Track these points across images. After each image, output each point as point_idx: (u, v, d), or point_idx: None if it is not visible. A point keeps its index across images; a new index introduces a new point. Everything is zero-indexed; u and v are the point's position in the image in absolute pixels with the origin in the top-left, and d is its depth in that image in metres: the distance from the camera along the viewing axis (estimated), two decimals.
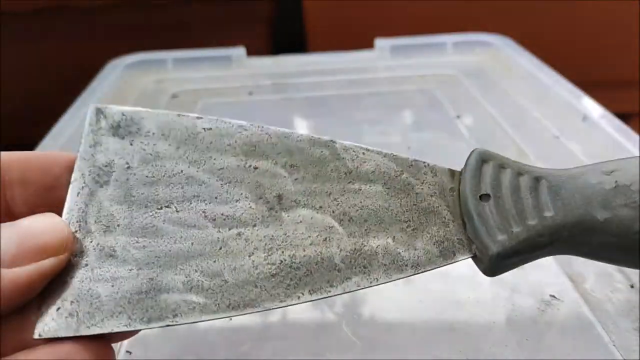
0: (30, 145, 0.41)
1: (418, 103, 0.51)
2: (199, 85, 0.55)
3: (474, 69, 0.56)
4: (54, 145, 0.42)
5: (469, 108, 0.49)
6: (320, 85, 0.54)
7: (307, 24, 0.77)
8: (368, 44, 0.60)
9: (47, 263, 0.17)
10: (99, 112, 0.21)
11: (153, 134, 0.21)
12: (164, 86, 0.55)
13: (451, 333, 0.26)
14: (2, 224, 0.17)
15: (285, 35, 0.84)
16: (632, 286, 0.28)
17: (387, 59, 0.59)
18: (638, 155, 0.21)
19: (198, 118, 0.21)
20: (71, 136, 0.43)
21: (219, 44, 0.60)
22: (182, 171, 0.20)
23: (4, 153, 0.19)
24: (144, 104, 0.51)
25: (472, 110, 0.48)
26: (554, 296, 0.28)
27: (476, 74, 0.55)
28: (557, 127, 0.43)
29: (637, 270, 0.28)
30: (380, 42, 0.59)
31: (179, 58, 0.58)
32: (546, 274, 0.29)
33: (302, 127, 0.47)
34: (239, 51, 0.59)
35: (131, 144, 0.20)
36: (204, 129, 0.21)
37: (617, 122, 0.42)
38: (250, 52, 0.59)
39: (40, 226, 0.18)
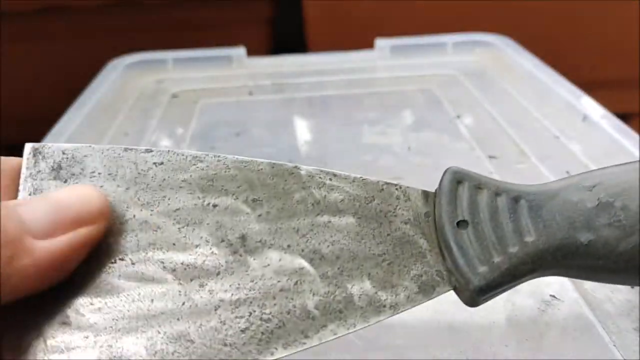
0: None
1: (418, 103, 0.51)
2: (199, 85, 0.55)
3: (474, 69, 0.56)
4: None
5: (469, 108, 0.49)
6: (320, 85, 0.54)
7: (307, 24, 0.77)
8: (368, 44, 0.60)
9: (83, 231, 0.16)
10: (36, 152, 0.19)
11: (99, 174, 0.19)
12: (164, 86, 0.55)
13: (451, 333, 0.26)
14: (33, 197, 0.17)
15: (285, 35, 0.84)
16: (632, 286, 0.28)
17: (387, 59, 0.59)
18: (620, 164, 0.21)
19: (147, 151, 0.19)
20: (71, 136, 0.43)
21: (219, 44, 0.60)
22: (134, 216, 0.18)
23: None
24: (144, 104, 0.51)
25: (472, 110, 0.48)
26: (554, 296, 0.28)
27: (476, 74, 0.55)
28: (557, 127, 0.43)
29: None
30: (380, 42, 0.59)
31: (179, 58, 0.58)
32: None
33: (302, 127, 0.47)
34: (239, 51, 0.59)
35: None
36: (155, 164, 0.19)
37: (617, 122, 0.42)
38: (250, 52, 0.59)
39: (72, 196, 0.17)
